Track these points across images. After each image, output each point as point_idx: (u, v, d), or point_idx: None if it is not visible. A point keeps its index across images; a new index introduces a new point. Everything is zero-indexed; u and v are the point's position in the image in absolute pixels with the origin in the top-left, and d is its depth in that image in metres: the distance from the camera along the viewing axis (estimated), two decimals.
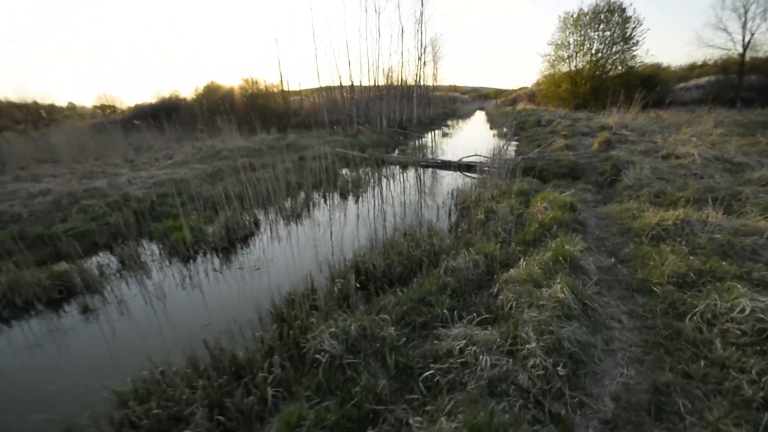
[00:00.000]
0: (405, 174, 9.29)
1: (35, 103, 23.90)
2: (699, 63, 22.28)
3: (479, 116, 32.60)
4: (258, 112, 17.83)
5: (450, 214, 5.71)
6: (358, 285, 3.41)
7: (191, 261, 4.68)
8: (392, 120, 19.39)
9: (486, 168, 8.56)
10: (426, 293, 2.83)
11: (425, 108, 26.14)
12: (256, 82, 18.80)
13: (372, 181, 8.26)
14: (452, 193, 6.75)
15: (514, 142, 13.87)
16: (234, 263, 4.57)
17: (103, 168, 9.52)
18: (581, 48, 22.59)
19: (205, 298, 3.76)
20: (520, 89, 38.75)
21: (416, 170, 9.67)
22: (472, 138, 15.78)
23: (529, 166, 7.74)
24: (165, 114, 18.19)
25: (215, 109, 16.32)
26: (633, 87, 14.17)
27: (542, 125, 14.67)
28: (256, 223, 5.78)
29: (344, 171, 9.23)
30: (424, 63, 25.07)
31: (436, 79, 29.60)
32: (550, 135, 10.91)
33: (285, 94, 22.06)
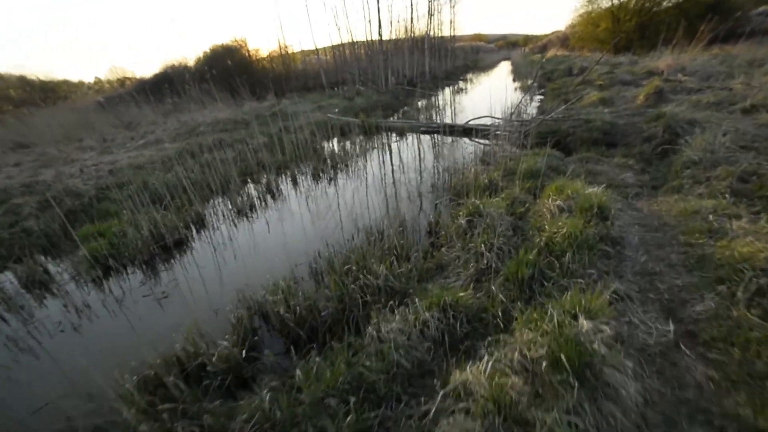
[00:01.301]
0: (399, 143, 7.80)
1: (39, 80, 23.54)
2: None
3: (504, 67, 29.18)
4: (251, 77, 16.41)
5: (436, 206, 4.34)
6: (249, 347, 2.28)
7: (100, 281, 3.73)
8: (401, 77, 17.32)
9: (497, 132, 6.93)
10: (328, 388, 1.65)
11: (442, 60, 23.41)
12: (244, 45, 17.12)
13: (355, 155, 6.89)
14: (448, 172, 5.30)
15: (538, 97, 11.75)
16: (145, 286, 3.56)
17: (69, 153, 8.70)
18: None
19: (81, 347, 2.80)
20: (552, 34, 34.13)
21: (413, 137, 8.14)
22: (488, 94, 13.55)
23: (549, 130, 6.07)
24: (164, 85, 17.19)
25: (203, 78, 15.05)
26: (694, 18, 11.28)
27: (574, 74, 12.30)
28: (201, 221, 4.71)
29: (329, 143, 7.88)
30: (439, 9, 22.09)
31: (454, 27, 26.27)
32: (582, 86, 8.84)
33: (286, 57, 20.32)
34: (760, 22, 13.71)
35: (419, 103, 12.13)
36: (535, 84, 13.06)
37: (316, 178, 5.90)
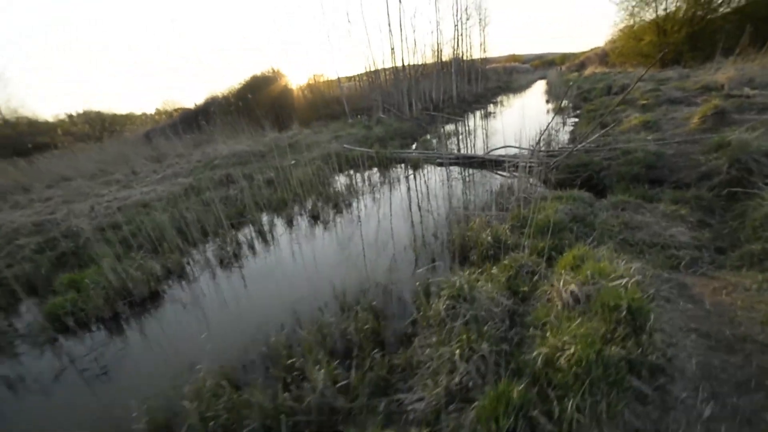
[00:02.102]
0: (409, 178, 7.19)
1: (99, 113, 25.98)
2: None
3: (538, 87, 28.03)
4: (279, 107, 16.86)
5: (434, 264, 3.61)
6: None
7: (53, 344, 3.41)
8: (428, 102, 16.93)
9: (518, 164, 6.12)
10: None
11: (472, 83, 22.82)
12: (277, 75, 17.72)
13: (358, 195, 6.38)
14: (453, 219, 4.56)
15: (573, 119, 10.72)
16: (90, 356, 3.16)
17: (94, 188, 9.04)
18: None
19: None
20: (590, 51, 32.54)
21: (428, 170, 7.51)
22: (516, 118, 12.69)
23: (580, 163, 5.20)
24: (198, 117, 18.17)
25: (229, 110, 15.61)
26: (761, 22, 9.81)
27: (614, 93, 11.17)
28: (171, 273, 4.33)
29: (335, 178, 7.47)
30: (468, 33, 21.74)
31: (484, 49, 25.75)
32: (622, 107, 7.80)
33: (313, 86, 20.90)
34: None
35: (442, 130, 11.54)
36: (570, 105, 12.03)
37: (309, 221, 5.41)
